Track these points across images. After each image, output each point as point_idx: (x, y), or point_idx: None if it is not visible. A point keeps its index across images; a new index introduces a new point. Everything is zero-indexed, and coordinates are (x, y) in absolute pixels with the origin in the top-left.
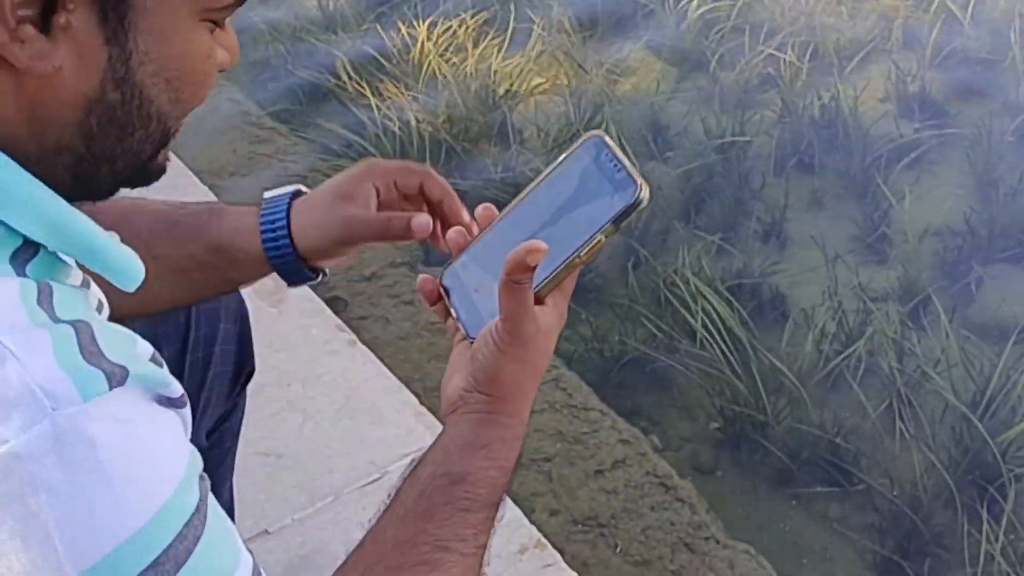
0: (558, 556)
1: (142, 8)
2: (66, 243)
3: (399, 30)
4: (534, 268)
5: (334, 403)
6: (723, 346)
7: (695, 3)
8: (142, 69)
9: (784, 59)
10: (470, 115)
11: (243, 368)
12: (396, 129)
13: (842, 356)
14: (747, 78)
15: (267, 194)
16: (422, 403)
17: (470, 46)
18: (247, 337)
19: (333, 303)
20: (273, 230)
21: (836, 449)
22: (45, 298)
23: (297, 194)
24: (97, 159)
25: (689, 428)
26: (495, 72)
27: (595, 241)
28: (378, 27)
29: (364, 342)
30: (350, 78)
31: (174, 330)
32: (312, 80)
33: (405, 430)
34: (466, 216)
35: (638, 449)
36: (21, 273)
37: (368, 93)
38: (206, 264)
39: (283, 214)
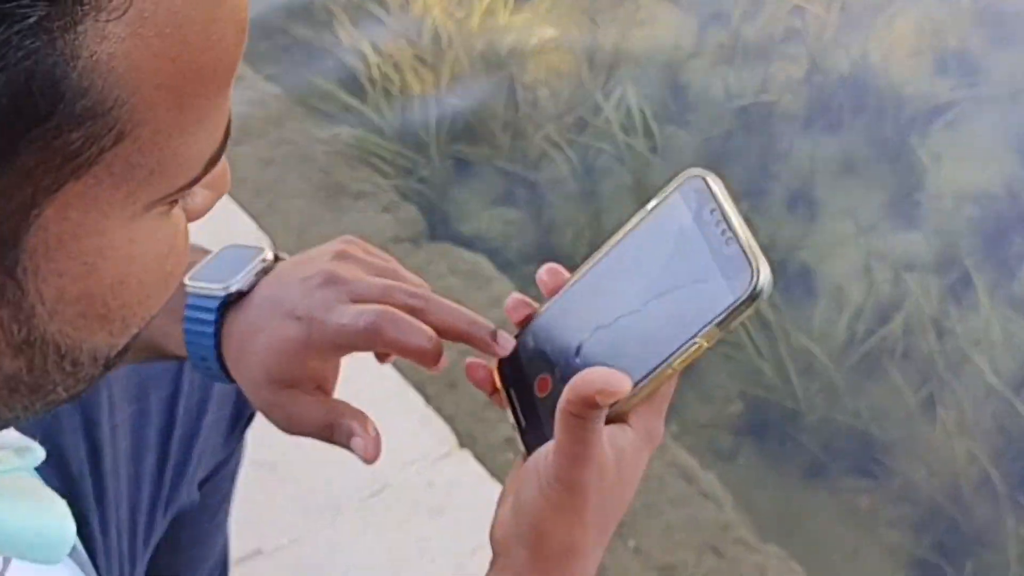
0: None
1: (43, 249)
2: None
3: None
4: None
5: None
6: (746, 325)
7: None
8: (55, 319)
9: (810, 11)
10: (476, 75)
11: (243, 412)
12: (397, 91)
13: (876, 335)
14: (771, 32)
15: (190, 285)
16: (429, 404)
17: (476, 1)
18: None
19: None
20: (203, 357)
21: (869, 438)
22: None
23: (227, 302)
24: (10, 421)
25: (708, 413)
26: (502, 28)
27: (692, 347)
28: None
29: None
30: (350, 37)
31: (164, 373)
32: (308, 38)
33: (408, 435)
34: (485, 334)
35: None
36: None
37: (369, 52)
38: (149, 352)
39: (211, 343)
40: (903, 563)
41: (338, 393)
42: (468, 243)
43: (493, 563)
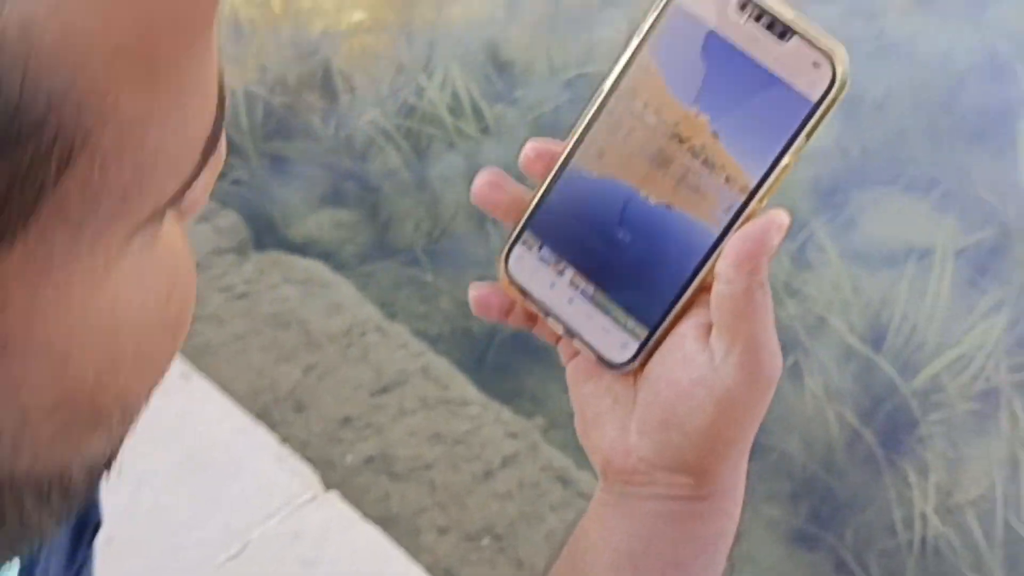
0: None
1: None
2: None
3: None
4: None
5: (172, 458)
6: None
7: None
8: (24, 453)
9: None
10: (285, 63)
11: (87, 522)
12: None
13: None
14: None
15: None
16: (279, 433)
17: None
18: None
19: None
20: None
21: None
22: None
23: None
24: None
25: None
26: (308, 11)
27: (782, 166)
28: None
29: (195, 348)
30: None
31: None
32: None
33: (266, 481)
34: None
35: (528, 441)
36: None
37: None
38: None
39: None
40: (783, 537)
41: (176, 443)
42: (300, 248)
43: (627, 486)
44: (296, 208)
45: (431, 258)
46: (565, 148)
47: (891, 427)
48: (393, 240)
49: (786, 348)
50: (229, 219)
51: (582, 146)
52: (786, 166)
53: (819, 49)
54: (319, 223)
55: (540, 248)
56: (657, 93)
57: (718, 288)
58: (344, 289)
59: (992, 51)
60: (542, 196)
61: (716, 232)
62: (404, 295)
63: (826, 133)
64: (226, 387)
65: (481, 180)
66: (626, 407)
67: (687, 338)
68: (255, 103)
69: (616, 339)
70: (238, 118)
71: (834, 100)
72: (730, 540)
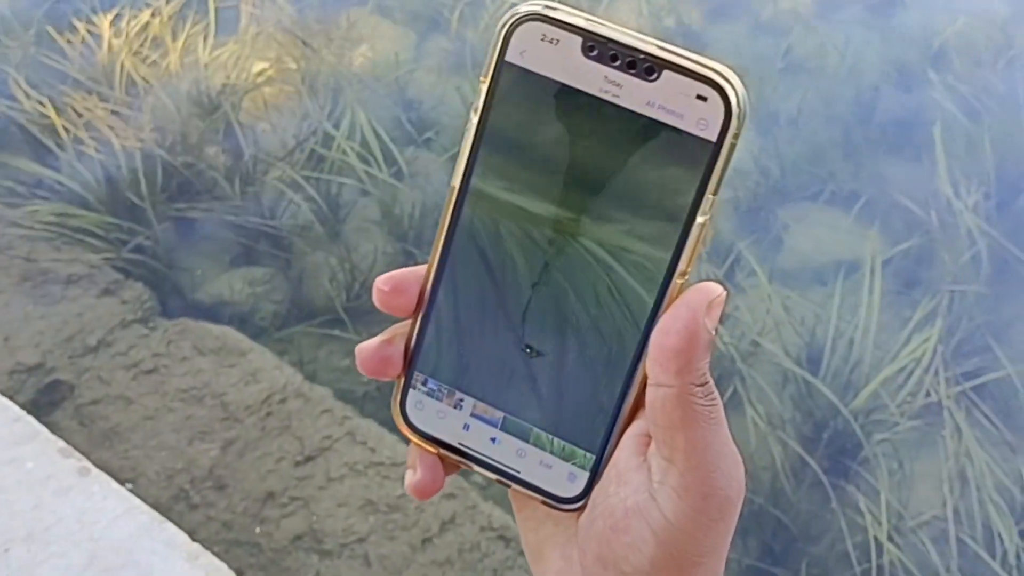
0: None
1: None
2: None
3: (76, 30)
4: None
5: (73, 564)
6: None
7: None
8: None
9: None
10: (185, 121)
11: None
12: (94, 152)
13: None
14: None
15: None
16: (203, 519)
17: (169, 39)
18: None
19: (53, 390)
20: None
21: None
22: None
23: None
24: None
25: None
26: (206, 65)
27: (698, 225)
28: (50, 29)
29: (100, 433)
30: (28, 97)
31: None
32: None
33: None
34: None
35: (466, 502)
36: None
37: (52, 113)
38: None
39: None
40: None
41: (77, 547)
42: (211, 314)
43: None
44: (205, 271)
45: (351, 314)
46: (430, 272)
47: (836, 452)
48: (310, 297)
49: (723, 377)
50: (134, 290)
51: (450, 264)
52: (702, 224)
53: (700, 78)
54: (230, 285)
55: (441, 388)
56: (516, 178)
57: (649, 394)
58: (260, 355)
59: (900, 60)
60: (422, 330)
61: (643, 321)
62: (325, 355)
63: (743, 152)
64: (137, 472)
65: (380, 288)
66: (568, 533)
67: (624, 453)
68: (154, 164)
69: (560, 473)
70: (137, 181)
71: (737, 132)
72: None
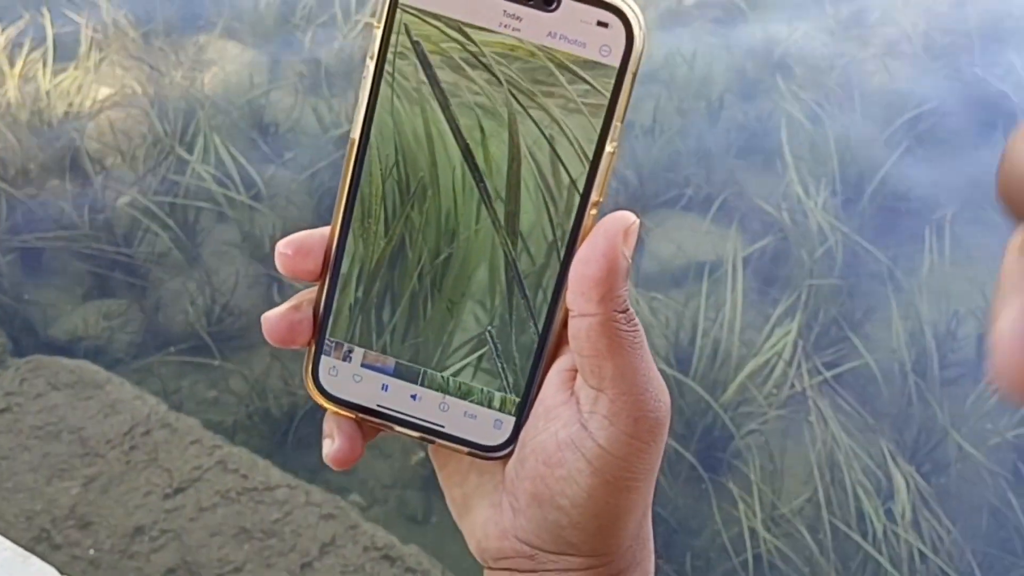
0: None
1: None
2: None
3: None
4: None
5: None
6: None
7: None
8: None
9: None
10: (27, 152)
11: None
12: None
13: None
14: (350, 54)
15: None
16: (68, 559)
17: (6, 66)
18: None
19: None
20: None
21: None
22: None
23: None
24: None
25: (390, 471)
26: (47, 93)
27: (607, 154)
28: None
29: None
30: None
31: None
32: None
33: None
34: None
35: (346, 522)
36: None
37: None
38: None
39: None
40: None
41: None
42: (64, 349)
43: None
44: (55, 306)
45: (216, 339)
46: (334, 231)
47: (709, 446)
48: (169, 326)
49: None
50: None
51: (354, 220)
52: (611, 153)
53: (600, 3)
54: (84, 318)
55: (353, 351)
56: (417, 123)
57: (571, 325)
58: (119, 386)
59: (745, 70)
60: (330, 293)
61: (560, 253)
62: (190, 384)
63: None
64: None
65: (282, 252)
66: (495, 480)
67: (550, 390)
68: None
69: (486, 421)
70: None
71: (640, 56)
72: None
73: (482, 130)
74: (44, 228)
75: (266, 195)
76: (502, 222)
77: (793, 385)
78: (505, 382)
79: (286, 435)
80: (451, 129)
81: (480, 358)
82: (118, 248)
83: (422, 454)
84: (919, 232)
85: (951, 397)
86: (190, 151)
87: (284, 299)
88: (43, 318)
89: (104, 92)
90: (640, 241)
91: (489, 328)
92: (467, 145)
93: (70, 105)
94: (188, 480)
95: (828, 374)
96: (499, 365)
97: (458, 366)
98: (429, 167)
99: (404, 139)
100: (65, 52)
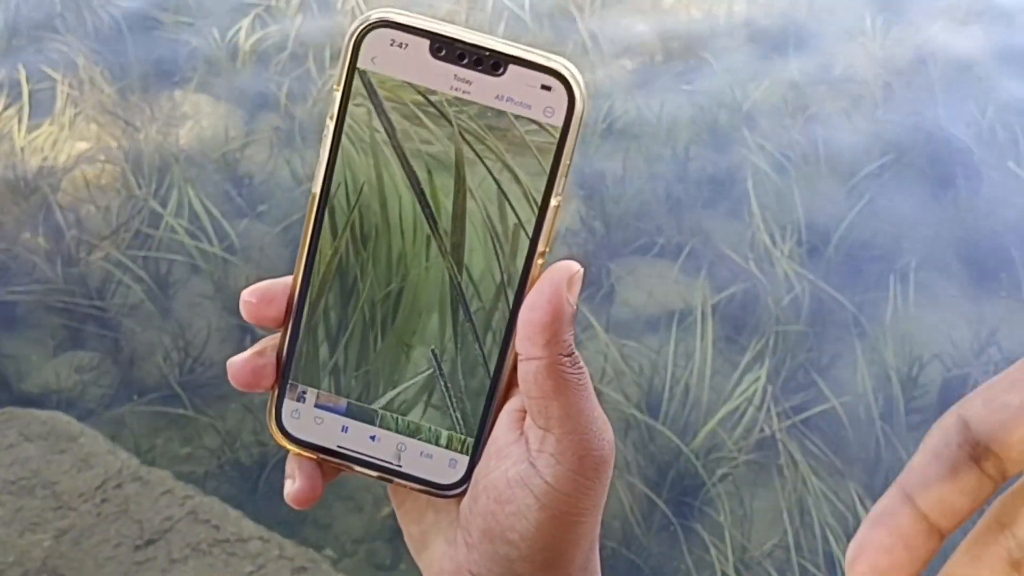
0: None
1: None
2: None
3: None
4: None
5: None
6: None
7: (242, 34)
8: None
9: None
10: (2, 206)
11: None
12: None
13: None
14: (324, 109)
15: None
16: None
17: None
18: None
19: None
20: None
21: None
22: None
23: None
24: None
25: (360, 524)
26: (21, 149)
27: (552, 208)
28: None
29: None
30: None
31: None
32: None
33: None
34: None
35: (318, 573)
36: None
37: None
38: None
39: None
40: None
41: None
42: (36, 401)
43: None
44: (28, 359)
45: (188, 391)
46: (296, 280)
47: (681, 492)
48: (142, 378)
49: None
50: None
51: (315, 270)
52: (556, 206)
53: (543, 69)
54: (56, 371)
55: (315, 395)
56: (380, 162)
57: (520, 368)
58: (92, 439)
59: (712, 122)
60: (292, 339)
61: (509, 298)
62: (162, 436)
63: (569, 212)
64: None
65: (247, 300)
66: (450, 517)
67: (501, 430)
68: None
69: (441, 461)
70: None
71: (581, 116)
72: None
73: (430, 172)
74: (17, 282)
75: (239, 247)
76: (451, 260)
77: (763, 429)
78: (459, 423)
79: (257, 482)
80: (404, 172)
81: (432, 399)
82: (91, 301)
83: (389, 508)
84: (884, 279)
85: (917, 440)
86: (164, 205)
87: None
88: (16, 371)
89: (79, 147)
90: (611, 289)
91: (440, 370)
92: (419, 187)
93: (44, 160)
94: (159, 531)
95: (796, 418)
96: (452, 407)
97: (411, 407)
98: (381, 211)
99: (359, 187)
100: (40, 108)
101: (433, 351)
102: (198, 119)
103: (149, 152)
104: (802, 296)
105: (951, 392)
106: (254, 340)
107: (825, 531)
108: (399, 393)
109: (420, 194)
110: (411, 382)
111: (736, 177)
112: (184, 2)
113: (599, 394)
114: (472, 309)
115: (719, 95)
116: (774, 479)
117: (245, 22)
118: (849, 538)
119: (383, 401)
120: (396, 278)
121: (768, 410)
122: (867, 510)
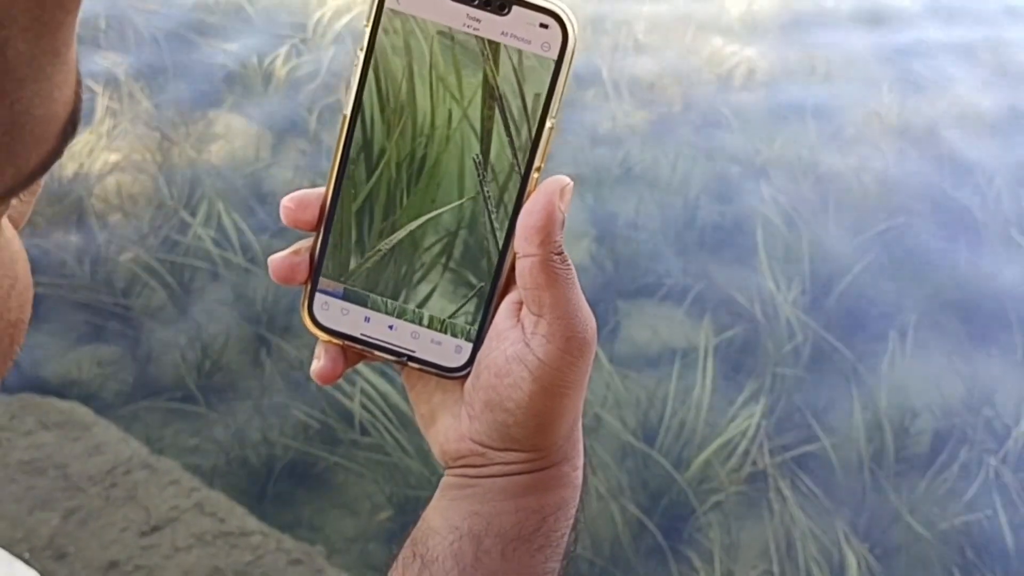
0: None
1: None
2: None
3: None
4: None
5: None
6: (388, 425)
7: (279, 61)
8: None
9: None
10: (36, 205)
11: None
12: None
13: None
14: None
15: None
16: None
17: None
18: None
19: None
20: None
21: None
22: None
23: None
24: None
25: (356, 526)
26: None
27: (547, 129)
28: None
29: None
30: None
31: None
32: None
33: None
34: None
35: (313, 566)
36: None
37: None
38: None
39: None
40: None
41: None
42: (56, 391)
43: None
44: (50, 348)
45: (203, 392)
46: (328, 189)
47: (672, 518)
48: (158, 376)
49: None
50: None
51: (345, 181)
52: (551, 128)
53: (541, 10)
54: (78, 363)
55: (342, 288)
56: (403, 98)
57: (518, 265)
58: (106, 429)
59: (722, 174)
60: (324, 240)
61: (509, 212)
62: (173, 430)
63: (583, 250)
64: None
65: (286, 205)
66: (455, 396)
67: (500, 317)
68: None
69: (448, 347)
70: None
71: (572, 51)
72: (573, 507)
73: (458, 66)
74: (46, 276)
75: (261, 259)
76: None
77: (755, 463)
78: (465, 315)
79: (265, 485)
80: (430, 63)
81: (443, 295)
82: (116, 300)
83: (386, 512)
84: (884, 333)
85: (905, 485)
86: (193, 214)
87: (272, 360)
88: (37, 360)
89: (114, 157)
90: (617, 325)
91: (450, 265)
92: (442, 75)
93: (80, 166)
94: (165, 520)
95: (787, 455)
96: (459, 300)
97: (424, 302)
98: (412, 119)
99: (389, 85)
100: (81, 118)
101: (446, 250)
102: (230, 138)
103: (182, 165)
104: (802, 343)
105: (941, 443)
106: (270, 351)
107: (809, 565)
108: (414, 290)
109: (437, 120)
110: (425, 280)
111: (746, 228)
112: (224, 28)
113: (599, 420)
114: (487, 188)
115: (734, 150)
116: (763, 512)
117: (282, 50)
118: (832, 572)
119: (401, 297)
120: (410, 192)
121: (761, 445)
122: (852, 549)
